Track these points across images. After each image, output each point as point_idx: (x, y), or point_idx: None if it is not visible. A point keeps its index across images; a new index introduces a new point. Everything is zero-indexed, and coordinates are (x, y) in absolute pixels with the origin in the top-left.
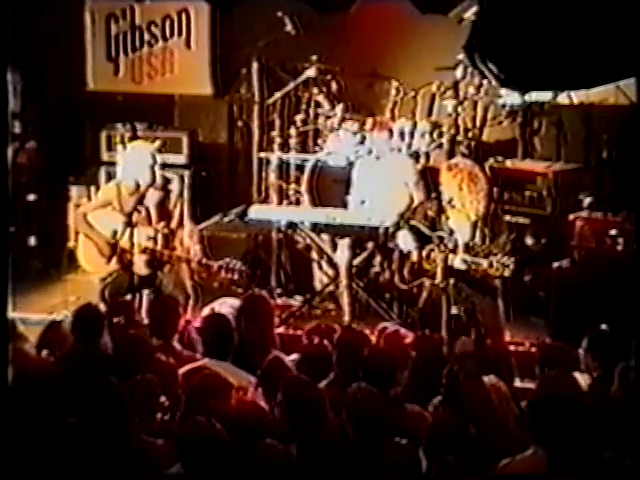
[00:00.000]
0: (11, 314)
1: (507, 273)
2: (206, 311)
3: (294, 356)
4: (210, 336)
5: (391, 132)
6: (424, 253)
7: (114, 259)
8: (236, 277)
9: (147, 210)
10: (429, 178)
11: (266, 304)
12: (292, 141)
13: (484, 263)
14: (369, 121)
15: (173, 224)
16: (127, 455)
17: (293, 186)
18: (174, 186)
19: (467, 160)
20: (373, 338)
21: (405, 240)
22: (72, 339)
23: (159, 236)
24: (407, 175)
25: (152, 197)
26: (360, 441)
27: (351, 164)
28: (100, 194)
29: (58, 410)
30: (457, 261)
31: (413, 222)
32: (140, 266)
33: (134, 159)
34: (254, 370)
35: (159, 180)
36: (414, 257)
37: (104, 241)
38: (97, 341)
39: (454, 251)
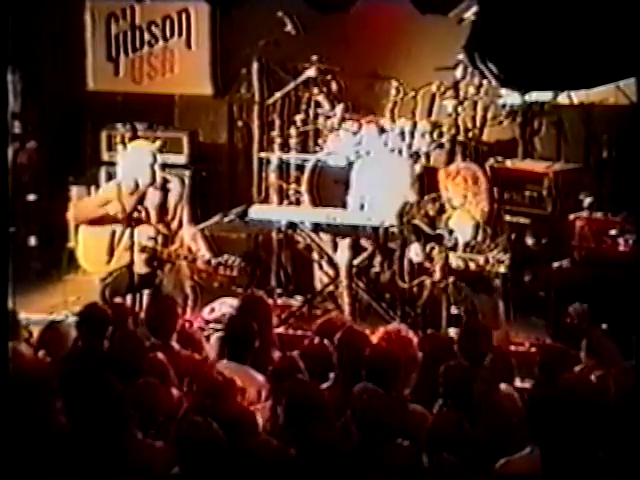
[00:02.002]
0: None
1: (502, 269)
2: (206, 311)
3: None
4: (233, 339)
5: (382, 129)
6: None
7: (114, 258)
8: (235, 274)
9: (147, 210)
10: (425, 179)
11: (264, 305)
12: (292, 141)
13: (480, 259)
14: (362, 121)
15: (173, 224)
16: (126, 457)
17: (293, 186)
18: (173, 187)
19: (467, 163)
20: (375, 338)
21: (417, 252)
22: (72, 339)
23: (159, 236)
24: (402, 176)
25: (152, 197)
26: (364, 442)
27: (351, 164)
28: (100, 192)
29: (56, 410)
30: (454, 259)
31: (415, 221)
32: (140, 265)
33: (134, 158)
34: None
35: (159, 180)
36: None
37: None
38: (101, 341)
39: (454, 249)
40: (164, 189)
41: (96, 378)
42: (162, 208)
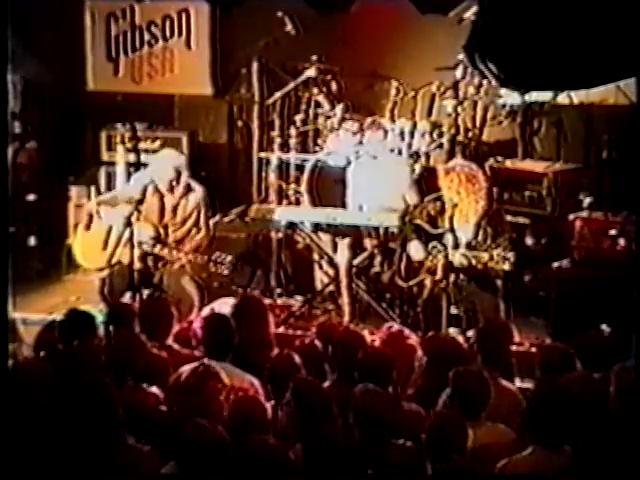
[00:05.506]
0: (11, 314)
1: (507, 266)
2: (206, 311)
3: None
4: (210, 336)
5: (386, 132)
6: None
7: (112, 254)
8: (225, 272)
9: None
10: (425, 180)
11: (260, 304)
12: (292, 141)
13: (485, 256)
14: (366, 121)
15: (184, 228)
16: (117, 460)
17: (293, 186)
18: (196, 194)
19: (465, 162)
20: (376, 338)
21: (416, 249)
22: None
23: (168, 237)
24: (402, 178)
25: (171, 200)
26: (365, 442)
27: (350, 164)
28: (119, 191)
29: (52, 411)
30: (457, 256)
31: (417, 221)
32: (136, 261)
33: (162, 165)
34: (250, 370)
35: (183, 184)
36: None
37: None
38: (87, 343)
39: (455, 248)
40: (187, 193)
41: (88, 381)
42: (175, 211)
